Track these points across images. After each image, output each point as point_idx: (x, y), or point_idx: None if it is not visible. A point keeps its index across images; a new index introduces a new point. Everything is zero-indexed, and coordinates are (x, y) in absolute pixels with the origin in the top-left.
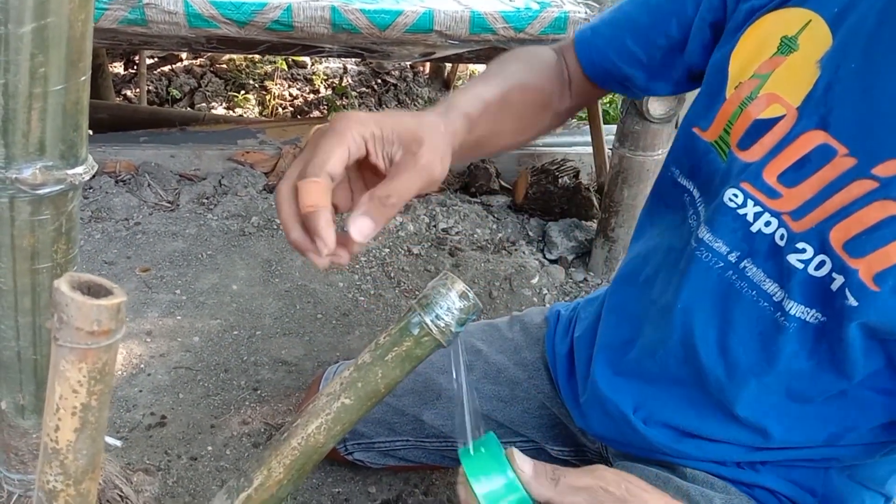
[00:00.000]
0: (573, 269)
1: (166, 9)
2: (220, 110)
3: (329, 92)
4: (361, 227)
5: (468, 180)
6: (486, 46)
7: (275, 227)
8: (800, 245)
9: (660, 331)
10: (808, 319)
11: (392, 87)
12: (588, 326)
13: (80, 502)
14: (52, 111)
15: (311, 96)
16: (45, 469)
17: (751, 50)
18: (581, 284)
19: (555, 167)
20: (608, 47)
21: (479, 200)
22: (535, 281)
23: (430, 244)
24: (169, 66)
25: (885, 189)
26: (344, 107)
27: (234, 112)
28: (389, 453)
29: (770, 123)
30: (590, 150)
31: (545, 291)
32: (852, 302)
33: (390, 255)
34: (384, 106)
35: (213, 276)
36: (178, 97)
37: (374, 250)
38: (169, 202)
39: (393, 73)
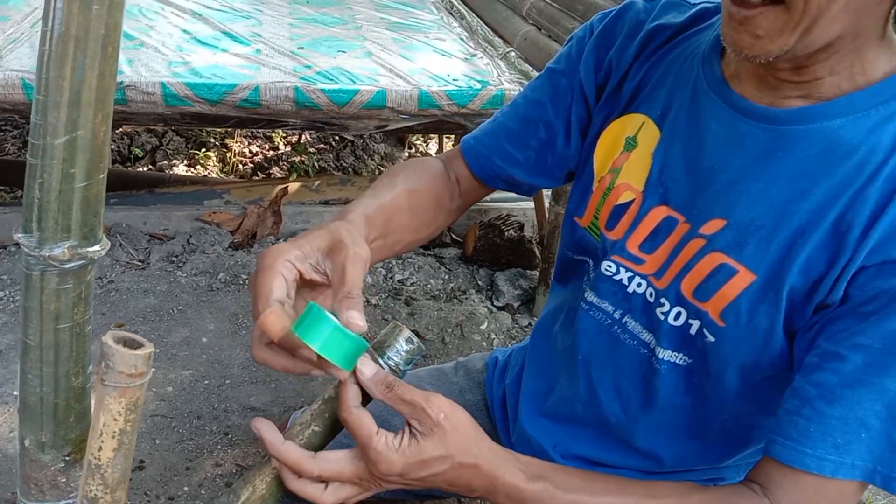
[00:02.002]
0: (519, 315)
1: (145, 90)
2: (181, 168)
3: (288, 149)
4: (355, 319)
5: None
6: (434, 119)
7: (240, 282)
8: (661, 300)
9: (569, 379)
10: (677, 362)
11: (349, 144)
12: (515, 375)
13: None
14: (78, 202)
15: (271, 153)
16: (89, 481)
17: (606, 149)
18: (526, 329)
19: (500, 221)
20: (491, 153)
21: (432, 253)
22: (483, 327)
23: (387, 295)
24: (131, 126)
25: (711, 244)
26: (302, 163)
27: (195, 169)
28: None
29: (625, 206)
30: (532, 205)
31: (493, 336)
32: (710, 339)
33: None
34: (342, 161)
35: (184, 330)
36: (140, 155)
37: None
38: (140, 261)
39: None
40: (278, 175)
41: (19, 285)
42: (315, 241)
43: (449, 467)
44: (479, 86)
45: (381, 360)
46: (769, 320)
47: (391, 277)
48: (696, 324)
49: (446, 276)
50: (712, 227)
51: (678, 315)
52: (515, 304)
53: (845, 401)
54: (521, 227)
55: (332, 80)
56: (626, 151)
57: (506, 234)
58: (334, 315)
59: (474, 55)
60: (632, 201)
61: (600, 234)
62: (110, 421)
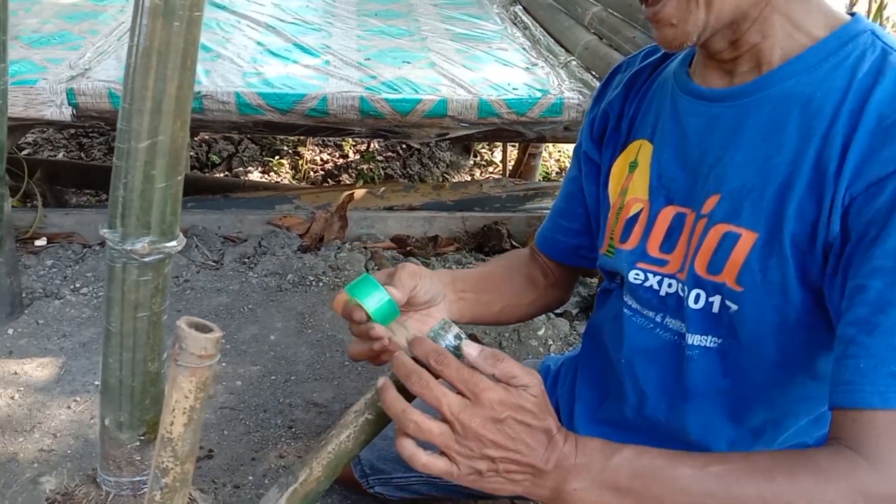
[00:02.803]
0: (577, 322)
1: (220, 99)
2: (256, 174)
3: (357, 157)
4: (392, 290)
5: (482, 240)
6: (493, 127)
7: (307, 283)
8: (684, 289)
9: (618, 385)
10: (707, 345)
11: (416, 152)
12: (569, 384)
13: (183, 478)
14: (157, 202)
15: (341, 161)
16: (161, 453)
17: (616, 179)
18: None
19: None
20: (554, 233)
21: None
22: (541, 332)
23: None
24: (208, 134)
25: (712, 219)
26: (370, 170)
27: (269, 176)
28: (405, 487)
29: (636, 217)
30: None
31: (550, 342)
32: (734, 307)
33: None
34: (408, 168)
35: (253, 328)
36: (217, 162)
37: None
38: (214, 261)
39: None
40: (347, 182)
41: (103, 282)
42: (390, 269)
43: (538, 425)
44: (538, 94)
45: None
46: (780, 273)
47: None
48: (716, 300)
49: None
50: (710, 204)
51: (697, 297)
52: (574, 311)
53: (884, 327)
54: None
55: (395, 90)
56: (630, 173)
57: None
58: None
59: (535, 64)
60: (641, 210)
61: (615, 249)
62: (182, 398)
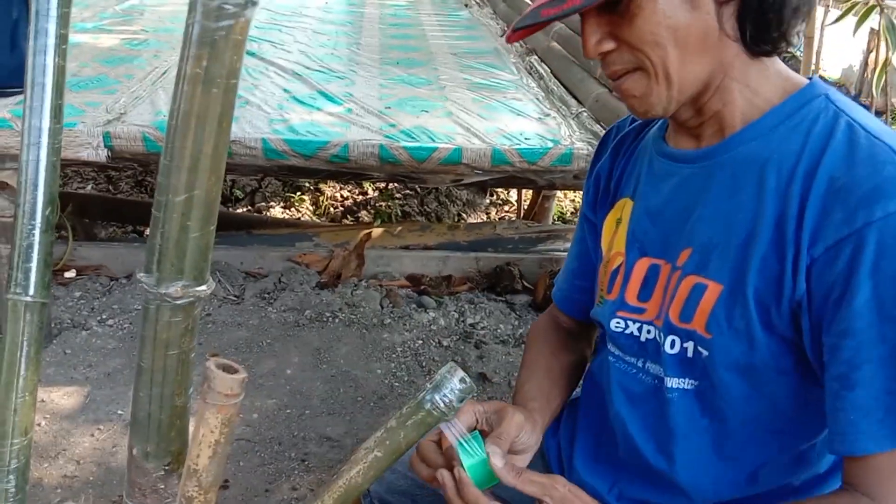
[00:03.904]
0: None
1: (248, 145)
2: (277, 209)
3: (376, 194)
4: (496, 458)
5: (494, 281)
6: (506, 175)
7: (324, 319)
8: (660, 335)
9: (612, 426)
10: (685, 387)
11: (433, 190)
12: (571, 424)
13: None
14: (191, 250)
15: (360, 198)
16: (187, 483)
17: (606, 235)
18: None
19: None
20: (571, 293)
21: (503, 299)
22: None
23: (458, 337)
24: None
25: (684, 270)
26: (388, 208)
27: (290, 211)
28: None
29: (618, 269)
30: None
31: None
32: (705, 353)
33: (423, 347)
34: (425, 206)
35: (270, 362)
36: (240, 197)
37: (408, 342)
38: (236, 296)
39: None
40: (366, 219)
41: (128, 314)
42: (493, 405)
43: None
44: (549, 144)
45: (436, 397)
46: (744, 321)
47: (463, 321)
48: (690, 345)
49: (516, 322)
50: (683, 257)
51: (673, 343)
52: None
53: (862, 382)
54: None
55: (413, 138)
56: (616, 228)
57: None
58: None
59: (548, 115)
60: (621, 263)
61: (603, 299)
62: (208, 433)
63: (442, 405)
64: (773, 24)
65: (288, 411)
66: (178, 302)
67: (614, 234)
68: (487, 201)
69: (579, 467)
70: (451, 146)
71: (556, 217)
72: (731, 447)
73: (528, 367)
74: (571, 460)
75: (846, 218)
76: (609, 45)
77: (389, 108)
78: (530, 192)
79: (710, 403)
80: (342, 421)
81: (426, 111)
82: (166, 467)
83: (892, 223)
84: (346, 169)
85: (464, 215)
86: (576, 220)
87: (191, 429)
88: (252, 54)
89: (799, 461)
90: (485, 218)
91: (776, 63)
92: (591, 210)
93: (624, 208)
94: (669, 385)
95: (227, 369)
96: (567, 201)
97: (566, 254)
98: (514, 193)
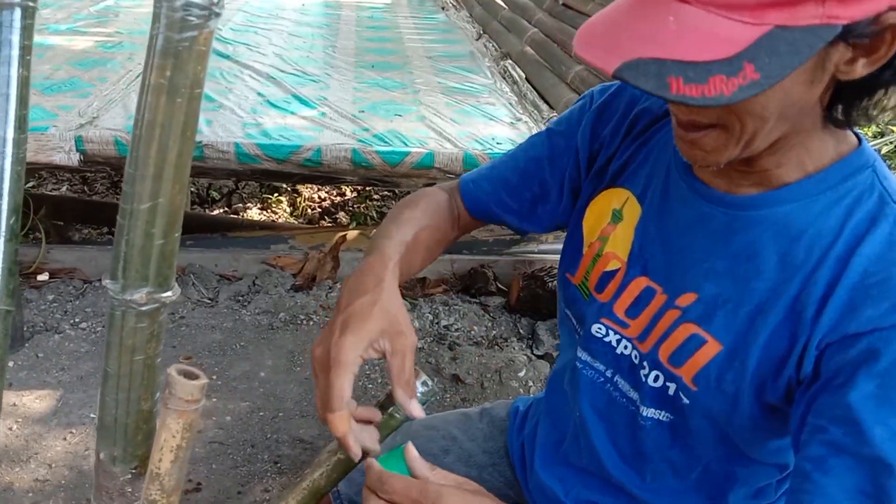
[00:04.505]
0: None
1: (220, 149)
2: (254, 211)
3: (354, 195)
4: (417, 411)
5: (469, 282)
6: None
7: (299, 321)
8: (643, 363)
9: (573, 431)
10: (660, 418)
11: (412, 192)
12: (533, 425)
13: None
14: (155, 256)
15: (338, 199)
16: (150, 487)
17: (595, 218)
18: None
19: (544, 273)
20: (489, 199)
21: (477, 301)
22: (522, 374)
23: (432, 339)
24: None
25: (685, 315)
26: (366, 210)
27: (267, 213)
28: None
29: (612, 274)
30: None
31: (531, 384)
32: (685, 401)
33: None
34: None
35: (244, 365)
36: (216, 198)
37: None
38: (210, 299)
39: None
40: (344, 220)
41: (101, 317)
42: (376, 324)
43: None
44: None
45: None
46: (735, 387)
47: (437, 323)
48: (672, 386)
49: (489, 324)
50: (686, 300)
51: (657, 378)
52: (554, 354)
53: (837, 470)
54: None
55: (386, 142)
56: (613, 223)
57: (548, 284)
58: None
59: (520, 119)
60: (618, 269)
61: (589, 294)
62: (170, 438)
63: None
64: (864, 103)
65: (261, 414)
66: (143, 308)
67: (610, 228)
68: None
69: (539, 468)
70: (423, 150)
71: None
72: (697, 474)
73: (415, 227)
74: (533, 459)
75: (875, 316)
76: None
77: (363, 111)
78: None
79: (681, 438)
80: (315, 423)
81: (399, 115)
82: (133, 471)
83: None
84: (319, 172)
85: None
86: None
87: None
88: (226, 57)
89: (759, 494)
90: None
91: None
92: (586, 161)
93: (627, 205)
94: (645, 413)
95: (188, 375)
96: None
97: (540, 256)
98: None
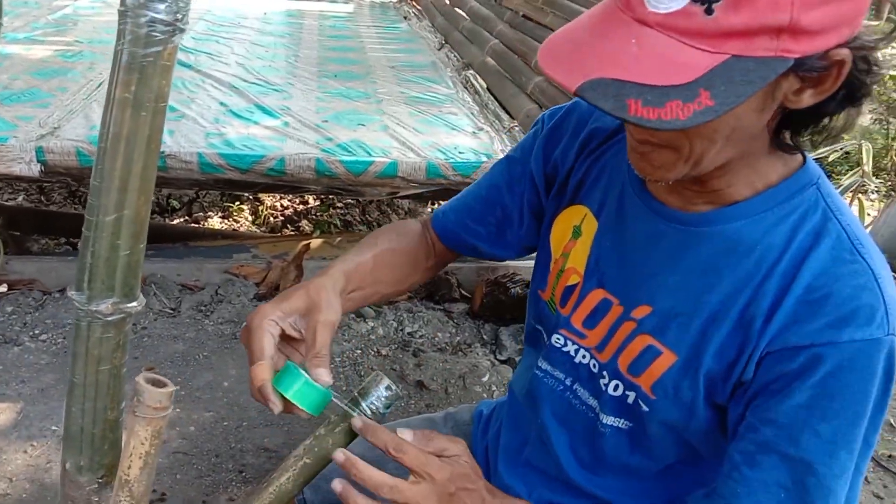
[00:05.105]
0: None
1: (183, 159)
2: (216, 220)
3: (317, 203)
4: (322, 375)
5: (433, 289)
6: (441, 187)
7: None
8: (603, 373)
9: (535, 437)
10: (619, 426)
11: (375, 200)
12: (496, 429)
13: None
14: (121, 267)
15: (301, 207)
16: (119, 493)
17: (559, 235)
18: None
19: (507, 279)
20: (457, 228)
21: (441, 307)
22: (485, 379)
23: (396, 346)
24: None
25: (640, 327)
26: (329, 218)
27: (228, 221)
28: None
29: (573, 288)
30: None
31: (494, 388)
32: (645, 409)
33: (361, 356)
34: (367, 216)
35: (207, 375)
36: (177, 207)
37: (347, 351)
38: (172, 309)
39: None
40: (307, 229)
41: (62, 329)
42: (295, 302)
43: (475, 487)
44: (483, 159)
45: (363, 405)
46: (692, 394)
47: (401, 329)
48: (632, 395)
49: (453, 330)
50: (641, 312)
51: (617, 387)
52: (517, 359)
53: (763, 466)
54: (527, 285)
55: (349, 151)
56: (574, 239)
57: (511, 291)
58: (305, 371)
59: (481, 129)
60: (577, 283)
61: (555, 309)
62: (138, 444)
63: (368, 412)
64: (809, 132)
65: (225, 423)
66: (109, 318)
67: (571, 243)
68: (429, 209)
69: (502, 470)
70: (386, 160)
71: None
72: (656, 477)
73: (373, 249)
74: (496, 463)
75: (814, 330)
76: None
77: (326, 121)
78: None
79: (640, 444)
80: (280, 432)
81: (363, 125)
82: (100, 480)
83: (852, 349)
84: (282, 182)
85: None
86: None
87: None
88: (188, 66)
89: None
90: None
91: None
92: (544, 187)
93: (585, 222)
94: (604, 421)
95: (156, 383)
96: None
97: (503, 263)
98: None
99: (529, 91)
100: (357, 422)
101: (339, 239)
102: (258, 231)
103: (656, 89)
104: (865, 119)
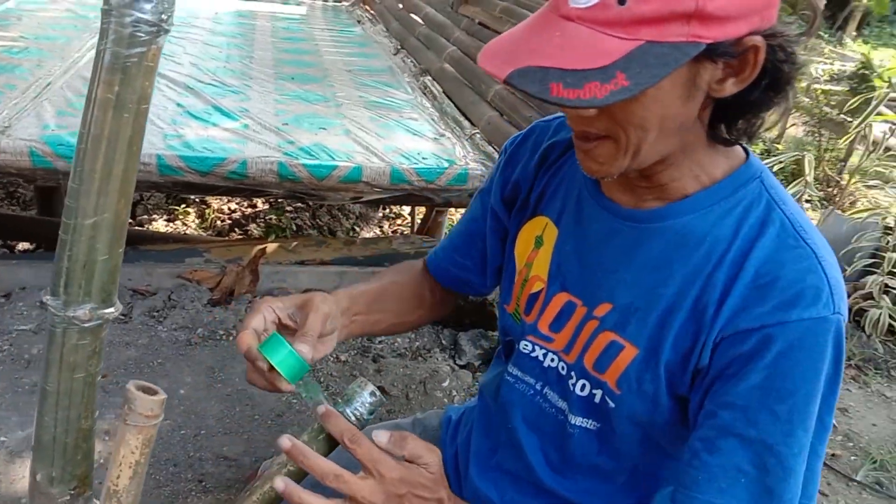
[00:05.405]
0: (479, 374)
1: (141, 160)
2: (160, 223)
3: (266, 207)
4: (303, 348)
5: None
6: (405, 193)
7: (218, 337)
8: (571, 374)
9: (506, 441)
10: (588, 427)
11: (325, 204)
12: (467, 434)
13: None
14: (99, 272)
15: (249, 211)
16: (106, 503)
17: (522, 247)
18: None
19: None
20: (446, 263)
21: None
22: (446, 384)
23: (356, 352)
24: None
25: (603, 324)
26: (280, 221)
27: (173, 224)
28: None
29: (537, 295)
30: None
31: (454, 393)
32: (611, 405)
33: (321, 363)
34: (318, 220)
35: (162, 382)
36: None
37: None
38: (123, 315)
39: None
40: (255, 232)
41: (7, 335)
42: (294, 299)
43: (431, 497)
44: (445, 164)
45: (347, 410)
46: (654, 386)
47: (361, 336)
48: (598, 393)
49: (412, 336)
50: (603, 309)
51: (584, 386)
52: (476, 363)
53: (722, 451)
54: None
55: (313, 155)
56: (536, 248)
57: (469, 296)
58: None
59: (443, 135)
60: (541, 290)
61: (520, 319)
62: (129, 454)
63: (353, 418)
64: (744, 123)
65: (182, 432)
66: (86, 325)
67: (534, 253)
68: (380, 215)
69: (474, 475)
70: (351, 164)
71: (448, 230)
72: (625, 478)
73: (379, 281)
74: (468, 467)
75: (764, 313)
76: (591, 112)
77: (287, 124)
78: (423, 207)
79: (608, 444)
80: (239, 440)
81: (324, 129)
82: (72, 491)
83: (801, 328)
84: (244, 185)
85: (357, 229)
86: None
87: (97, 450)
88: None
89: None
90: (378, 232)
91: None
92: (506, 210)
93: (546, 230)
94: (573, 422)
95: (146, 391)
96: (458, 215)
97: None
98: (406, 208)
99: (490, 99)
100: (321, 408)
101: (294, 243)
102: (205, 234)
103: (577, 73)
104: (799, 131)
